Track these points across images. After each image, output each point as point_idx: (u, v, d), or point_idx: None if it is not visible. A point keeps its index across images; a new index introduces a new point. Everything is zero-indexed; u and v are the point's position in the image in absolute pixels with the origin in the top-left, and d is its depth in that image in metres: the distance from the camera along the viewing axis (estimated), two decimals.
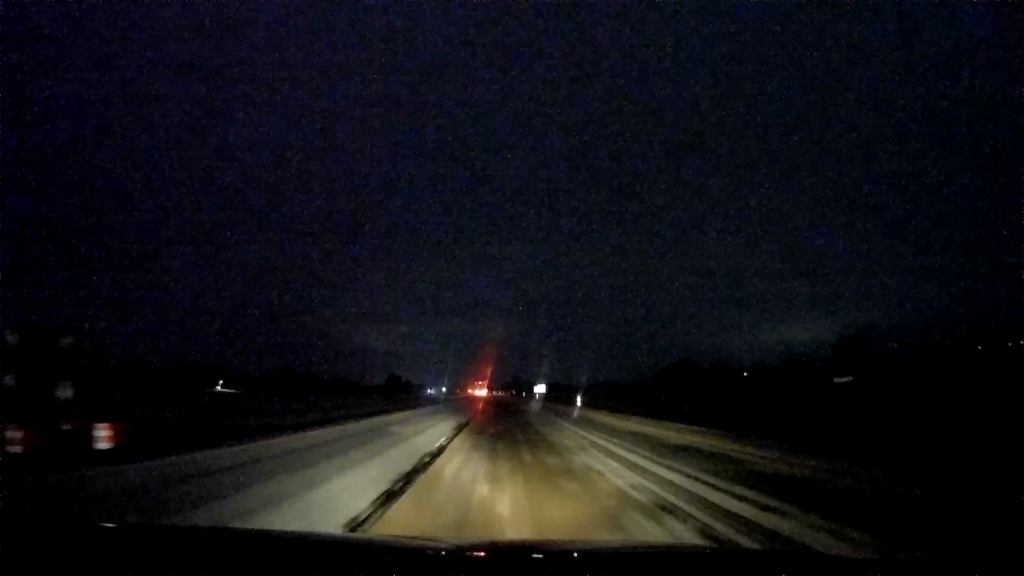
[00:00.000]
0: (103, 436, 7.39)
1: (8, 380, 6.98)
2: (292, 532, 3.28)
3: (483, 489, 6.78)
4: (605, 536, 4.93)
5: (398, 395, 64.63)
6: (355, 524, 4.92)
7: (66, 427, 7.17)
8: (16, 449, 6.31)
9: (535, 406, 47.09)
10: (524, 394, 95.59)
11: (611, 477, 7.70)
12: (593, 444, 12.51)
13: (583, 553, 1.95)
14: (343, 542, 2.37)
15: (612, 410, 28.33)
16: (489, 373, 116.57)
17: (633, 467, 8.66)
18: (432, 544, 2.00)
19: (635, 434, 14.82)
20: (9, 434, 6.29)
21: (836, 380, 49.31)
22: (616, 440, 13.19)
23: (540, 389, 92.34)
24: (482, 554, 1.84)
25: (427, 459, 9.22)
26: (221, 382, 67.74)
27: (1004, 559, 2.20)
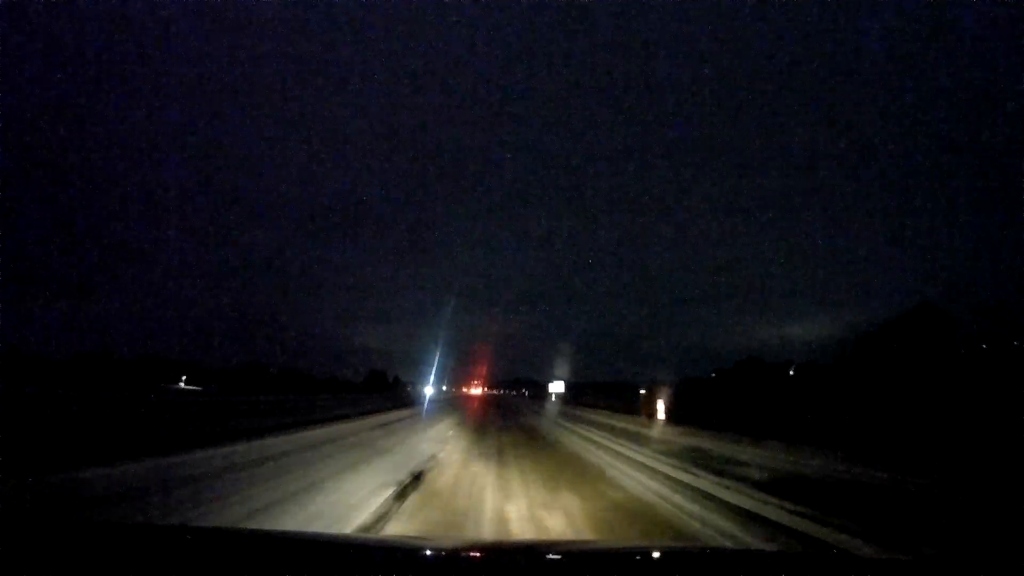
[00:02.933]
0: None
1: None
2: (292, 532, 3.40)
3: None
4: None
5: (382, 393, 57.64)
6: None
7: None
8: None
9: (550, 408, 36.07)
10: (551, 396, 67.84)
11: None
12: None
13: (583, 553, 2.00)
14: (343, 542, 2.33)
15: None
16: (484, 372, 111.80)
17: None
18: (432, 544, 2.16)
19: None
20: None
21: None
22: None
23: (556, 388, 65.09)
24: (482, 554, 1.83)
25: None
26: (184, 378, 60.63)
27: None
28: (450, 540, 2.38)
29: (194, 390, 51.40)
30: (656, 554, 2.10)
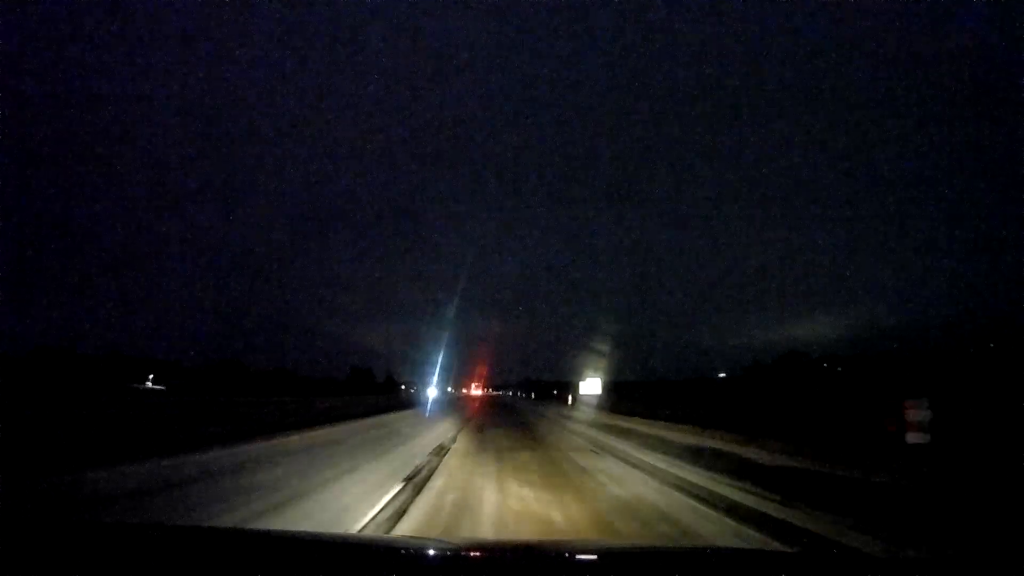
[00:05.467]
0: None
1: None
2: (293, 532, 3.26)
3: None
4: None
5: (371, 395, 50.04)
6: None
7: None
8: None
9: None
10: (573, 398, 47.29)
11: None
12: None
13: (583, 553, 1.96)
14: (343, 542, 2.28)
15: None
16: (487, 372, 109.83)
17: None
18: (432, 544, 2.07)
19: None
20: None
21: None
22: None
23: (590, 389, 40.05)
24: (482, 554, 1.82)
25: None
26: (152, 376, 54.68)
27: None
28: (451, 540, 2.18)
29: (159, 390, 45.56)
30: (657, 554, 2.18)
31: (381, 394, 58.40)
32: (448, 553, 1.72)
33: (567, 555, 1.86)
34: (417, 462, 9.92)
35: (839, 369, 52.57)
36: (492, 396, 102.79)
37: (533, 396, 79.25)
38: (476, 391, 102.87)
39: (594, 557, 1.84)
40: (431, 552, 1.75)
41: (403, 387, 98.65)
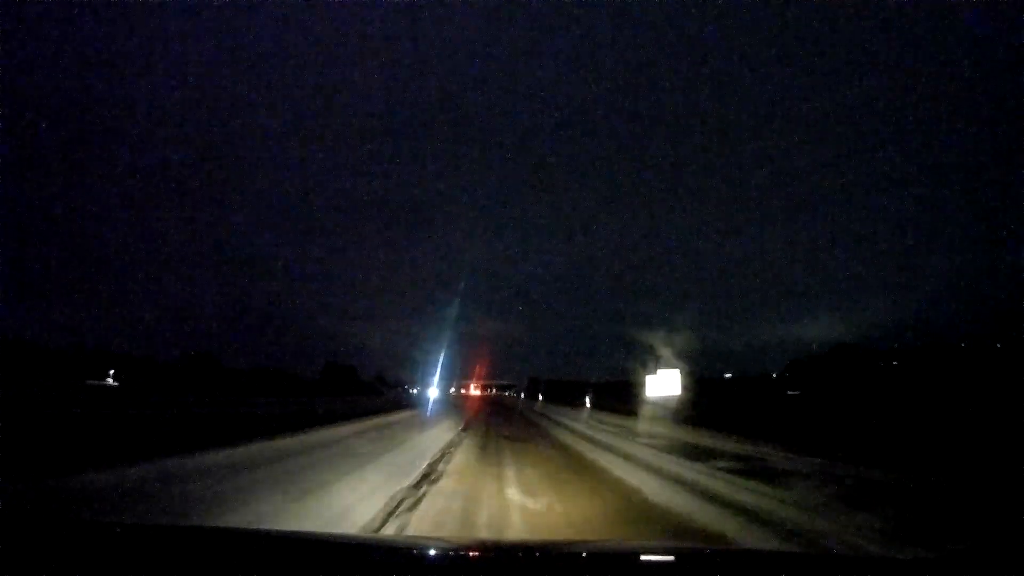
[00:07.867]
0: None
1: None
2: (293, 532, 3.27)
3: None
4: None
5: (347, 397, 43.43)
6: None
7: None
8: None
9: None
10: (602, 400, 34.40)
11: None
12: None
13: (583, 553, 1.95)
14: (343, 542, 2.26)
15: None
16: (485, 372, 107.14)
17: None
18: (432, 544, 2.04)
19: None
20: None
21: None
22: None
23: (663, 388, 27.11)
24: (482, 554, 1.81)
25: None
26: (112, 372, 49.86)
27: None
28: (450, 540, 2.18)
29: (113, 387, 41.48)
30: (656, 554, 2.13)
31: (364, 395, 51.33)
32: (448, 553, 1.71)
33: (566, 555, 1.85)
34: None
35: (895, 363, 46.88)
36: (495, 397, 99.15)
37: (588, 403, 40.72)
38: (475, 391, 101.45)
39: (595, 557, 1.81)
40: (431, 552, 1.74)
41: (403, 387, 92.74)
